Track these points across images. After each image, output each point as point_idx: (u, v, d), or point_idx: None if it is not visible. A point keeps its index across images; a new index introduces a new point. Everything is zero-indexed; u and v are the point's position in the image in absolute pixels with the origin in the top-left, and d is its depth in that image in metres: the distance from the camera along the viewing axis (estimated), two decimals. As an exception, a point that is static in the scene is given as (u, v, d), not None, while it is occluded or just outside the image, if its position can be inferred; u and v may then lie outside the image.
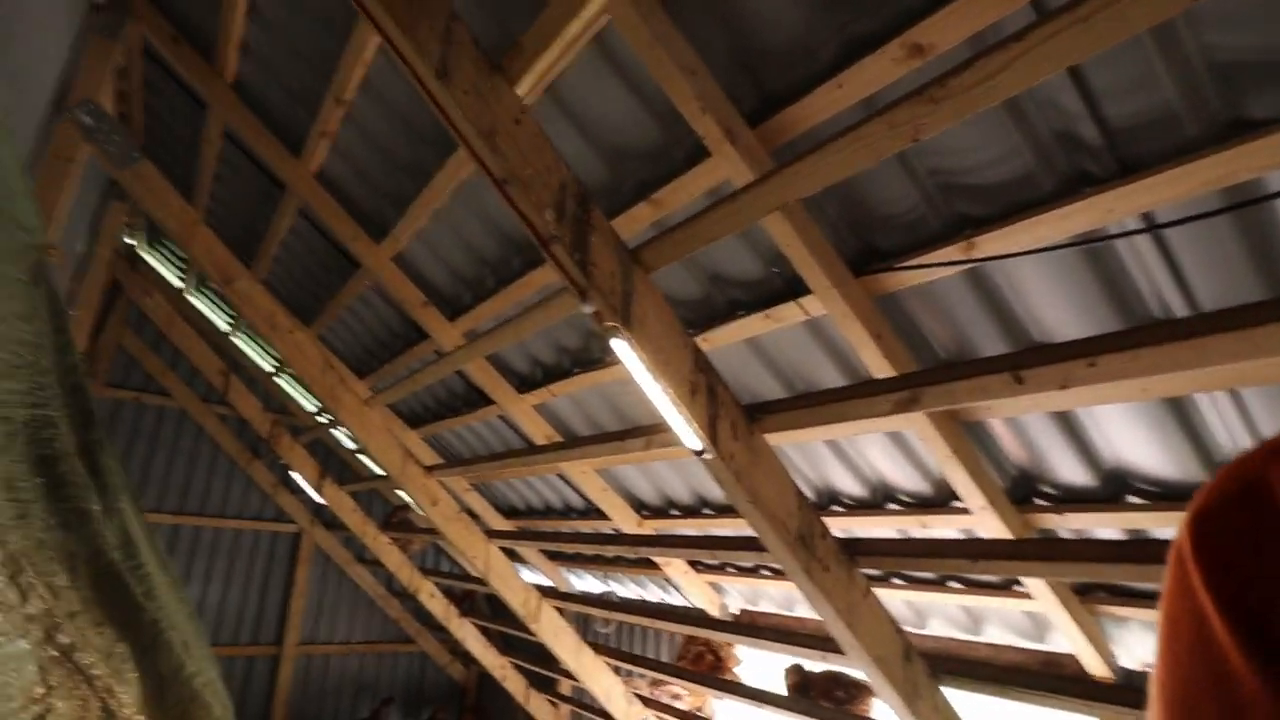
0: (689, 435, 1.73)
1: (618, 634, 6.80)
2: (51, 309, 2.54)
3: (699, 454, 1.75)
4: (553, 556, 6.50)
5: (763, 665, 4.74)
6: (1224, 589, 0.31)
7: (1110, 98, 1.81)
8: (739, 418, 1.80)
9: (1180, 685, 0.34)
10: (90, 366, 7.33)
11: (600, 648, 5.15)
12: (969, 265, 2.23)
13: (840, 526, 3.64)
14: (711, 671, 4.43)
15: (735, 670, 4.48)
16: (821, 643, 2.78)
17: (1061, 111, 1.88)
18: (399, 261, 4.27)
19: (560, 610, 5.40)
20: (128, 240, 6.60)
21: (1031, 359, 1.51)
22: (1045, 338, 2.38)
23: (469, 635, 6.67)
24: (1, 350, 1.86)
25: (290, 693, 8.29)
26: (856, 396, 1.75)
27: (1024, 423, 2.64)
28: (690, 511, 4.55)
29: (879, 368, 2.51)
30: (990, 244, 2.16)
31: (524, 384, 4.60)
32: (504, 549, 5.81)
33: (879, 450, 3.18)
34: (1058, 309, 2.29)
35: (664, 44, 2.09)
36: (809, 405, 1.85)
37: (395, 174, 3.71)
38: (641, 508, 5.03)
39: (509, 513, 6.71)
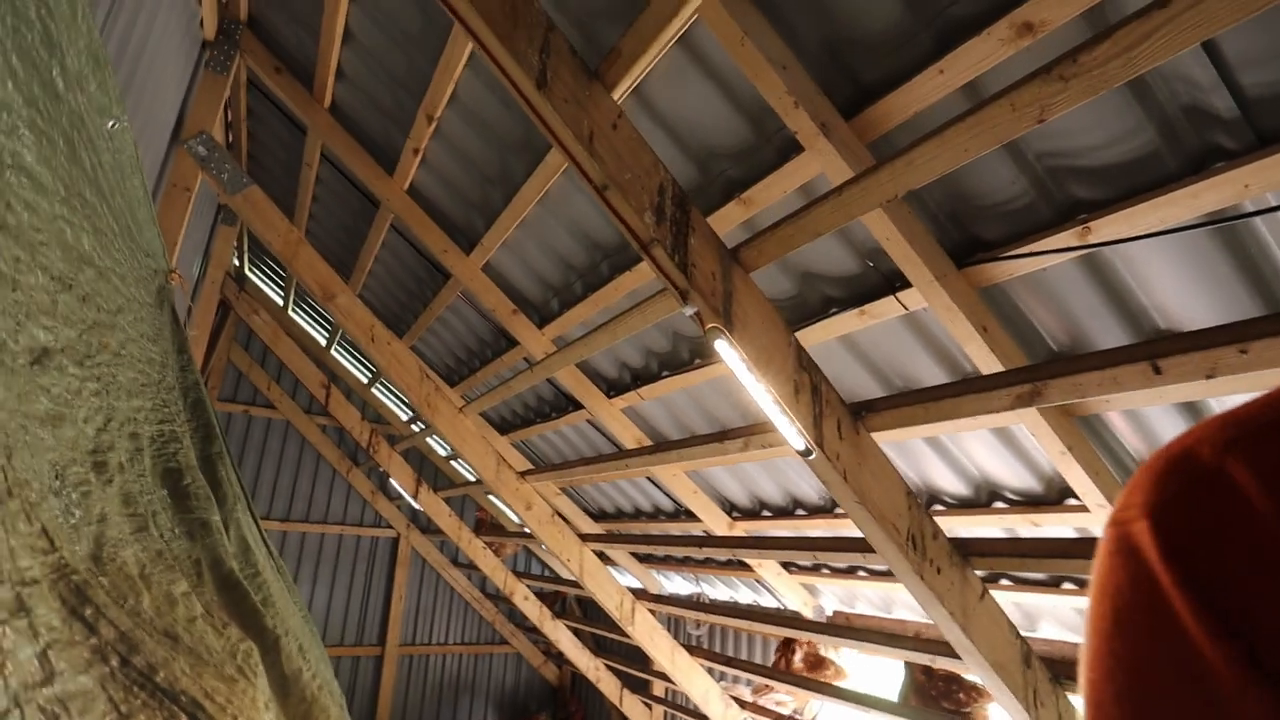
0: (794, 435, 1.68)
1: (710, 636, 6.76)
2: (174, 329, 2.74)
3: (804, 454, 1.71)
4: (642, 559, 6.53)
5: (865, 668, 4.60)
6: (1197, 586, 0.30)
7: (1247, 66, 1.66)
8: (844, 416, 1.74)
9: (1141, 683, 0.33)
10: (204, 382, 7.88)
11: (695, 649, 5.13)
12: (1085, 251, 2.08)
13: (944, 526, 3.49)
14: (814, 674, 4.33)
15: (838, 673, 4.36)
16: (928, 646, 2.66)
17: (1191, 84, 1.73)
18: (488, 271, 4.39)
19: (652, 612, 5.41)
20: (235, 261, 7.05)
21: (1170, 347, 1.39)
22: (1172, 327, 2.20)
23: (562, 637, 6.78)
24: (130, 369, 2.01)
25: (394, 691, 8.65)
26: (971, 392, 1.66)
27: (1145, 415, 2.45)
28: (782, 513, 4.47)
29: (985, 362, 2.38)
30: (1108, 228, 2.01)
31: (612, 388, 4.64)
32: (595, 552, 5.88)
33: (984, 446, 3.03)
34: (1186, 296, 2.11)
35: (754, 38, 2.05)
36: (920, 402, 1.77)
37: (483, 186, 3.80)
38: (732, 509, 4.98)
39: (598, 516, 6.79)
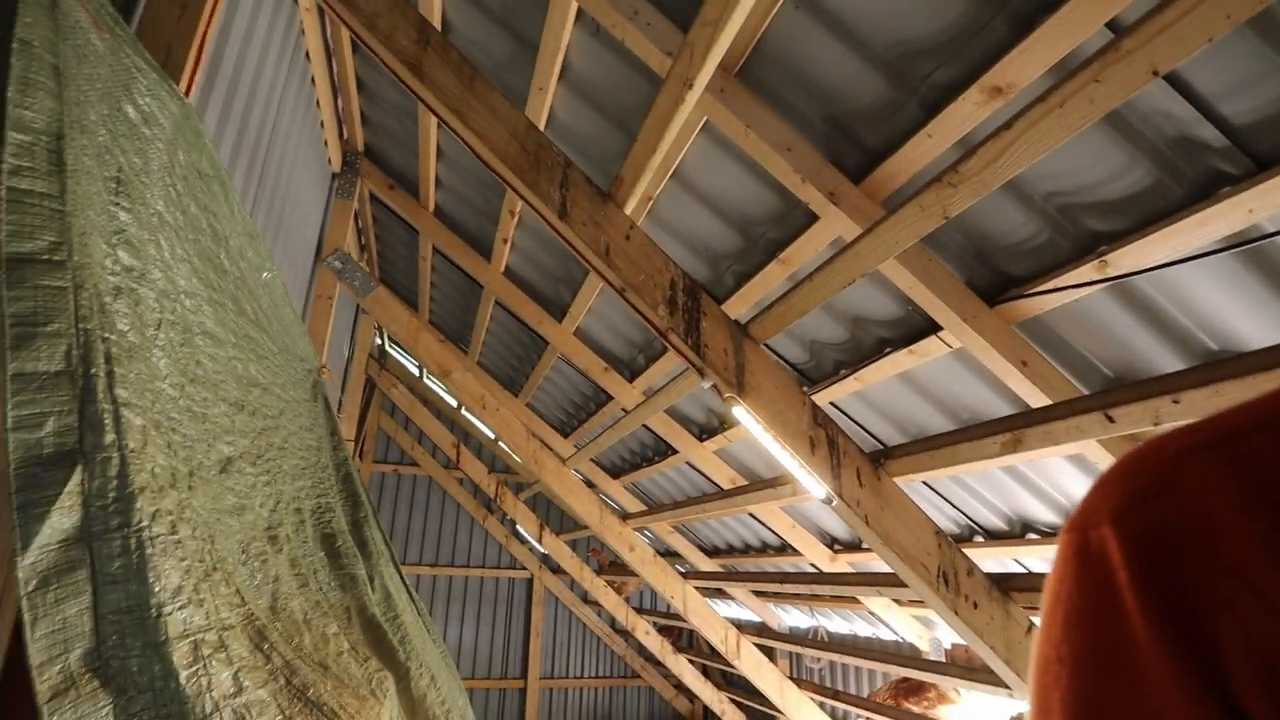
0: (814, 485, 1.90)
1: (830, 670, 6.72)
2: (326, 416, 3.34)
3: (826, 501, 1.91)
4: (759, 593, 6.65)
5: (982, 703, 4.48)
6: (1156, 595, 0.30)
7: (1222, 98, 1.74)
8: (864, 464, 1.93)
9: (1088, 688, 0.32)
10: (360, 448, 8.92)
11: (805, 683, 5.18)
12: (1107, 283, 2.16)
13: (1031, 553, 3.47)
14: (912, 699, 4.29)
15: (941, 698, 4.30)
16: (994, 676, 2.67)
17: (1173, 119, 1.82)
18: (579, 335, 4.85)
19: (766, 647, 5.52)
20: (378, 340, 8.03)
21: (1119, 398, 1.50)
22: (1225, 345, 2.20)
23: (684, 670, 6.99)
24: (293, 457, 2.56)
25: (540, 717, 9.22)
26: (967, 440, 1.81)
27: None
28: (881, 543, 4.51)
29: (1029, 394, 2.46)
30: (1125, 259, 2.08)
31: (704, 432, 4.92)
32: (711, 587, 6.08)
33: (1064, 472, 3.03)
34: (1228, 315, 2.12)
35: (757, 128, 2.34)
36: (929, 449, 1.93)
37: (566, 261, 4.27)
38: (833, 542, 5.06)
39: (712, 552, 7.00)
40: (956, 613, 1.87)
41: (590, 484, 6.97)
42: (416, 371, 8.75)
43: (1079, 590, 0.33)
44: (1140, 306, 2.27)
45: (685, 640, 8.08)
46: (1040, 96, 1.18)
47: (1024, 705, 2.41)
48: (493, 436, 9.06)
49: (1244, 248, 1.94)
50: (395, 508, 9.34)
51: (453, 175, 4.32)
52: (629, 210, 1.96)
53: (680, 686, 9.32)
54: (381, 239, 6.04)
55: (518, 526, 8.20)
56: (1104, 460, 2.56)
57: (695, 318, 1.88)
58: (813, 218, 2.68)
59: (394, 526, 9.23)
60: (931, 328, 2.74)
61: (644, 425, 5.24)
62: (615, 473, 7.00)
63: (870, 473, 1.94)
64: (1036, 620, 2.11)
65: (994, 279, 2.50)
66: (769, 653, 5.42)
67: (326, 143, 4.13)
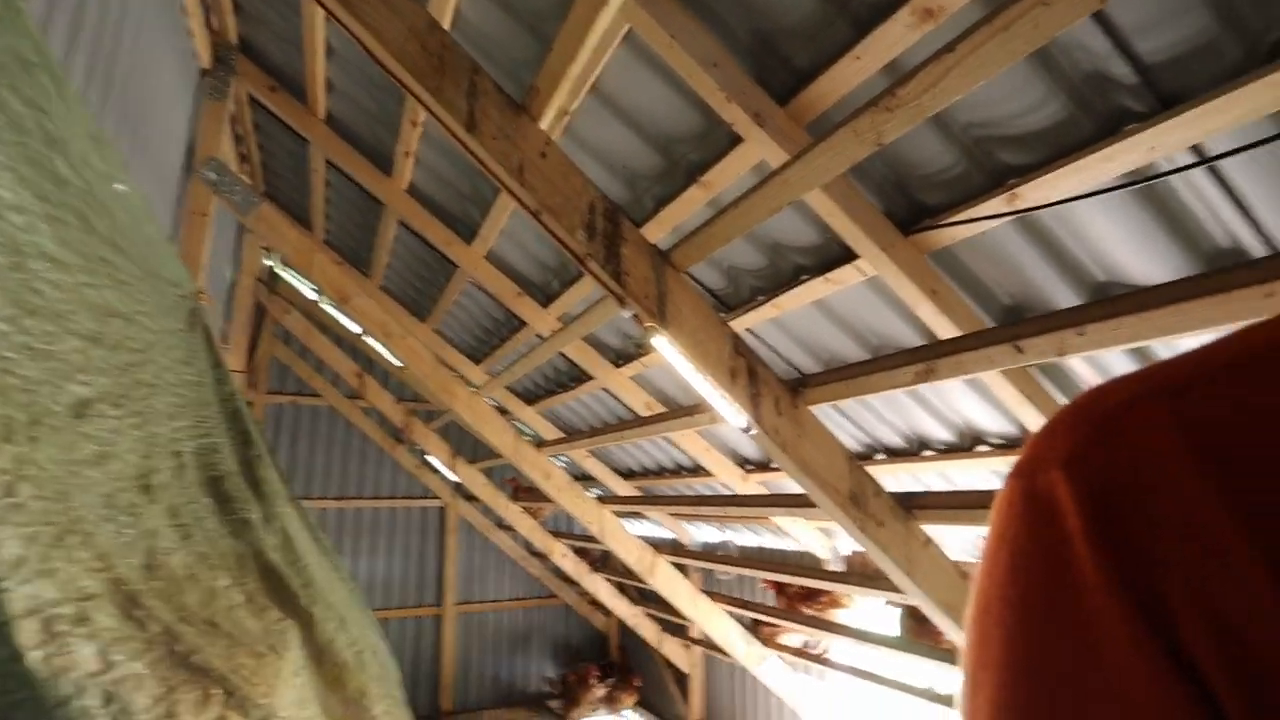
0: (733, 414, 1.88)
1: (739, 581, 7.11)
2: (208, 346, 3.05)
3: (745, 430, 1.91)
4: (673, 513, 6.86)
5: (875, 606, 4.85)
6: (1106, 542, 0.30)
7: (1139, 34, 1.73)
8: (782, 393, 1.93)
9: (1031, 632, 0.32)
10: (252, 379, 8.38)
11: (716, 595, 5.45)
12: (1014, 216, 2.19)
13: (932, 470, 3.68)
14: (808, 604, 4.61)
15: (833, 601, 4.62)
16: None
17: (1090, 53, 1.81)
18: (490, 258, 4.62)
19: (680, 564, 5.73)
20: (266, 262, 7.42)
21: (1027, 330, 1.53)
22: (1112, 278, 2.30)
23: (600, 589, 7.21)
24: (168, 394, 2.31)
25: (456, 647, 9.36)
26: (882, 369, 1.83)
27: (1106, 363, 2.57)
28: (789, 465, 4.68)
29: (936, 323, 2.52)
30: (1034, 192, 2.11)
31: (620, 358, 4.87)
32: (624, 511, 6.20)
33: (958, 394, 3.18)
34: (1121, 251, 2.20)
35: (682, 40, 2.18)
36: (843, 378, 1.95)
37: (475, 179, 4.00)
38: (745, 463, 5.22)
39: (627, 474, 7.11)
40: (864, 532, 1.94)
41: (504, 411, 6.85)
42: (313, 296, 8.20)
43: (1026, 534, 0.33)
44: (1042, 240, 2.33)
45: (601, 560, 8.30)
46: (985, 17, 1.11)
47: (919, 604, 2.58)
48: (399, 364, 8.72)
49: (1140, 185, 2.00)
50: (295, 441, 8.92)
51: (346, 78, 3.90)
52: (544, 125, 1.79)
53: (596, 603, 9.66)
54: (266, 149, 5.47)
55: (428, 456, 8.05)
56: (999, 386, 2.69)
57: (615, 243, 1.77)
58: (736, 140, 2.57)
59: (295, 461, 8.83)
60: (848, 256, 2.74)
61: (559, 352, 5.14)
62: (530, 399, 6.91)
63: (788, 401, 1.94)
64: (933, 534, 2.23)
65: (910, 209, 2.50)
66: (682, 568, 5.64)
67: (192, 33, 3.61)
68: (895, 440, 3.87)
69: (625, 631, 9.50)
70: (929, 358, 1.77)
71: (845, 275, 2.79)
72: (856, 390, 1.90)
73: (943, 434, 3.57)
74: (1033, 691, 0.32)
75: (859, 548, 5.35)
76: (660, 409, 4.95)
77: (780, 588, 4.88)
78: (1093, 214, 2.15)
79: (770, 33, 2.23)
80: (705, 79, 2.17)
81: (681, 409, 2.99)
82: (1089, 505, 0.31)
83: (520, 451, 4.50)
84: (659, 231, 3.19)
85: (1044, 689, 0.31)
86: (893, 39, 1.96)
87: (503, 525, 9.72)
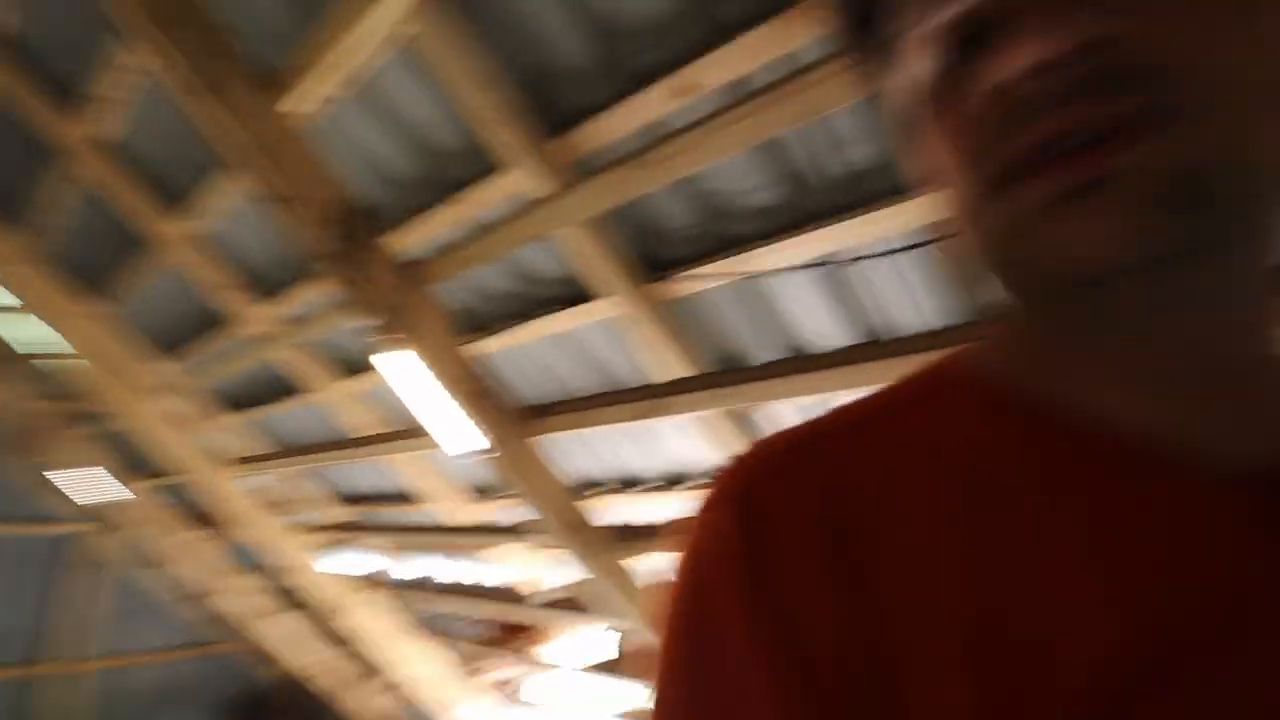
0: (466, 438, 1.87)
1: (447, 616, 6.83)
2: None
3: (474, 454, 1.90)
4: (382, 544, 6.39)
5: (588, 636, 5.01)
6: (755, 567, 0.35)
7: (851, 143, 2.16)
8: (516, 419, 1.97)
9: (697, 635, 0.37)
10: None
11: (419, 630, 5.19)
12: (737, 278, 2.55)
13: (640, 504, 4.01)
14: (528, 643, 4.63)
15: (549, 644, 4.71)
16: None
17: (799, 156, 2.22)
18: (199, 239, 4.01)
19: (383, 597, 5.36)
20: None
21: (740, 377, 1.81)
22: (800, 346, 2.77)
23: (276, 633, 6.39)
24: None
25: (98, 707, 7.49)
26: (611, 403, 1.99)
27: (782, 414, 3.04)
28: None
29: (662, 366, 2.79)
30: (754, 261, 2.48)
31: (347, 370, 4.50)
32: (331, 540, 5.65)
33: (668, 435, 3.52)
34: (811, 320, 2.67)
35: (462, 57, 2.19)
36: (577, 409, 2.06)
37: (194, 147, 3.47)
38: (470, 491, 5.11)
39: (337, 498, 6.49)
40: (583, 558, 2.03)
41: (191, 420, 5.86)
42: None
43: (697, 560, 0.38)
44: (752, 303, 2.73)
45: (287, 597, 7.38)
46: (739, 99, 1.32)
47: (630, 632, 2.73)
48: (48, 351, 7.01)
49: (830, 266, 2.46)
50: None
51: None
52: (298, 109, 1.66)
53: (270, 651, 8.51)
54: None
55: (68, 471, 6.52)
56: (707, 427, 3.04)
57: (361, 246, 1.68)
58: (501, 164, 2.62)
59: None
60: (593, 294, 2.91)
61: (272, 355, 4.59)
62: (237, 407, 6.01)
63: (521, 428, 1.98)
64: (639, 564, 2.42)
65: (652, 258, 2.76)
66: (389, 603, 5.26)
67: None
68: (610, 475, 4.11)
69: (304, 681, 8.51)
70: (654, 396, 1.96)
71: (588, 311, 2.95)
72: (587, 421, 2.01)
73: (653, 472, 3.89)
74: (690, 676, 0.37)
75: (577, 578, 5.51)
76: (391, 429, 4.66)
77: (497, 623, 4.80)
78: (790, 285, 2.59)
79: (549, 70, 2.34)
80: (480, 100, 2.20)
81: (407, 430, 2.86)
82: (740, 539, 0.36)
83: (204, 467, 3.89)
84: (406, 241, 3.08)
85: (699, 676, 0.36)
86: (653, 104, 2.18)
87: (157, 560, 8.17)
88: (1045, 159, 0.31)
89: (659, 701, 0.38)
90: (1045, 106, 0.30)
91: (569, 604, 4.41)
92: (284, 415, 5.65)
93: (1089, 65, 0.29)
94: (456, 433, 1.84)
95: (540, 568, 5.41)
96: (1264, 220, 0.33)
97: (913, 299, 2.42)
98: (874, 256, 2.33)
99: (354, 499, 6.31)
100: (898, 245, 2.26)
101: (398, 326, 1.70)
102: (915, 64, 0.37)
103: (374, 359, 1.71)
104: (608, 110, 2.26)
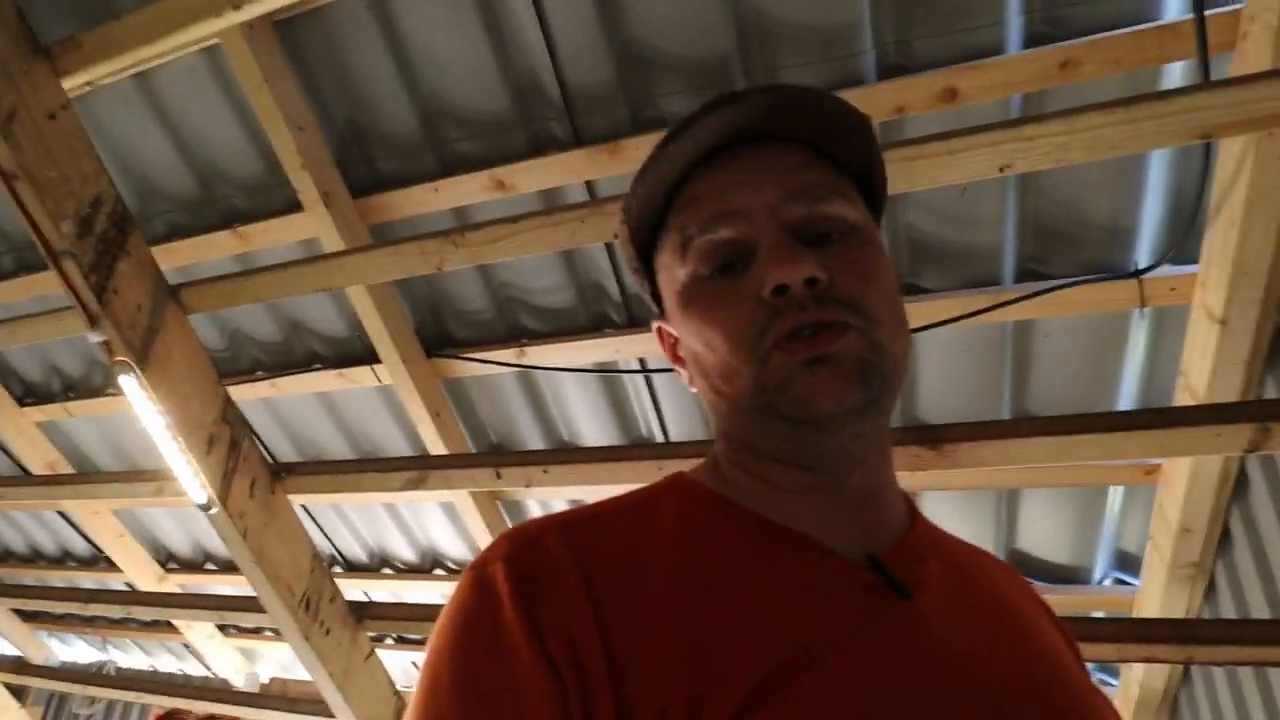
0: (195, 487, 1.66)
1: (107, 713, 5.57)
2: None
3: (203, 508, 1.69)
4: (30, 616, 5.13)
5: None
6: (524, 606, 0.46)
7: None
8: (262, 475, 1.79)
9: (472, 672, 0.46)
10: None
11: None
12: (518, 369, 2.63)
13: (386, 588, 3.73)
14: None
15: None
16: (316, 706, 2.74)
17: (598, 267, 2.41)
18: None
19: (23, 688, 4.28)
20: None
21: (510, 460, 1.86)
22: (572, 436, 2.89)
23: None
24: None
25: None
26: (375, 470, 1.91)
27: (553, 505, 3.11)
28: (230, 566, 4.11)
29: (433, 443, 2.73)
30: (537, 355, 2.58)
31: (31, 394, 3.72)
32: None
33: (431, 516, 3.39)
34: (581, 417, 2.81)
35: (276, 89, 2.10)
36: (333, 472, 1.94)
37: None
38: (170, 559, 4.37)
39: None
40: (308, 639, 1.84)
41: None
42: None
43: (475, 601, 0.49)
44: (531, 393, 2.82)
45: None
46: (546, 210, 1.43)
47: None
48: None
49: (604, 373, 2.64)
50: None
51: None
52: (69, 85, 1.47)
53: None
54: None
55: None
56: (470, 511, 2.99)
57: (112, 254, 1.48)
58: (295, 208, 2.49)
59: None
60: (370, 359, 2.79)
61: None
62: None
63: (266, 485, 1.81)
64: (379, 648, 2.24)
65: (439, 334, 2.74)
66: (25, 694, 4.17)
67: None
68: (358, 553, 3.81)
69: None
70: (422, 468, 1.91)
71: (360, 376, 2.82)
72: (345, 487, 1.89)
73: (408, 553, 3.68)
74: (466, 697, 0.45)
75: (283, 673, 4.84)
76: (66, 470, 3.87)
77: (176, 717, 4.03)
78: (571, 384, 2.72)
79: (367, 129, 2.33)
80: (287, 138, 2.11)
81: (108, 473, 2.43)
82: (514, 583, 0.48)
83: None
84: (165, 262, 2.74)
85: (475, 693, 0.45)
86: (470, 191, 2.26)
87: None
88: (796, 339, 0.50)
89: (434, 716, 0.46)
90: (792, 308, 0.51)
91: (278, 696, 3.87)
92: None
93: (813, 290, 0.51)
94: (190, 479, 1.62)
95: (242, 658, 4.71)
96: (897, 392, 0.55)
97: (658, 411, 2.67)
98: (649, 372, 2.57)
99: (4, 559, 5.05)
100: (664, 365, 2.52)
101: (145, 350, 1.49)
102: (691, 264, 0.57)
103: (123, 381, 1.47)
104: (423, 185, 2.29)
